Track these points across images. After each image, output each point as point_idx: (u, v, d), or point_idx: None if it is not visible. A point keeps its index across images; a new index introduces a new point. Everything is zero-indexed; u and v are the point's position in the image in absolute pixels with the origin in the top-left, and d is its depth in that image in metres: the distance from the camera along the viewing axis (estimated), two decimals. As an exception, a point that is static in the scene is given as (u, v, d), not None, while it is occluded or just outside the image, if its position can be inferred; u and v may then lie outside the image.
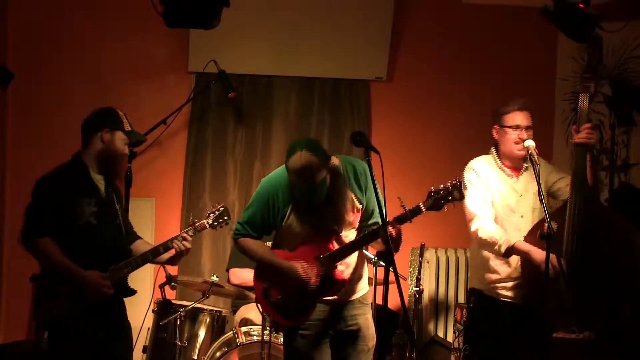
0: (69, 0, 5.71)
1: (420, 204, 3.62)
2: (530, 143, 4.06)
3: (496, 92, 5.72)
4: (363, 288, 3.89)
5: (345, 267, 3.77)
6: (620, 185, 5.50)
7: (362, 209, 3.77)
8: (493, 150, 4.27)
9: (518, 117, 4.16)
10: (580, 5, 3.97)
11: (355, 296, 3.85)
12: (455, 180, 3.62)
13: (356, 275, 3.85)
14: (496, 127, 4.22)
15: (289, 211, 3.72)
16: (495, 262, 4.19)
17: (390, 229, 3.54)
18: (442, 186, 3.63)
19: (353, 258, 3.82)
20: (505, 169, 4.22)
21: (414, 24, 5.92)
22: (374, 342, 3.84)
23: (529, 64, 5.90)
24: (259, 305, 3.89)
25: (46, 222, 3.74)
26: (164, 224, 5.62)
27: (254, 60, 5.76)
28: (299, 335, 3.79)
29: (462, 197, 3.64)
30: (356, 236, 3.78)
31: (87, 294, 3.74)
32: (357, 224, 3.81)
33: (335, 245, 3.74)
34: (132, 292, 3.96)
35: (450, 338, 5.54)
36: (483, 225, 4.10)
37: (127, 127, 3.92)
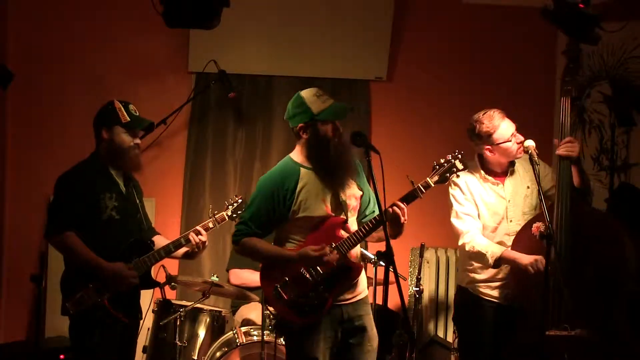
0: (68, 1, 5.71)
1: (428, 179, 3.75)
2: (530, 143, 4.03)
3: (496, 92, 5.73)
4: (365, 288, 3.89)
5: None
6: (620, 185, 5.49)
7: (361, 195, 3.84)
8: (476, 160, 4.19)
9: (507, 127, 4.08)
10: (580, 5, 3.96)
11: (361, 296, 3.85)
12: (456, 152, 3.78)
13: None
14: (488, 148, 4.10)
15: (296, 196, 3.68)
16: (479, 264, 4.18)
17: (396, 209, 3.65)
18: (442, 160, 3.79)
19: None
20: (489, 178, 4.15)
21: (414, 24, 5.92)
22: (377, 342, 3.83)
23: (529, 64, 5.90)
24: (270, 308, 3.78)
25: (69, 216, 3.78)
26: (165, 224, 5.60)
27: (254, 60, 5.76)
28: (303, 335, 3.70)
29: (465, 166, 3.79)
30: (358, 227, 3.77)
31: (114, 285, 3.78)
32: (356, 212, 3.83)
33: (344, 233, 3.72)
34: (156, 284, 4.03)
35: (450, 338, 5.54)
36: (469, 240, 4.07)
37: (125, 119, 3.92)
